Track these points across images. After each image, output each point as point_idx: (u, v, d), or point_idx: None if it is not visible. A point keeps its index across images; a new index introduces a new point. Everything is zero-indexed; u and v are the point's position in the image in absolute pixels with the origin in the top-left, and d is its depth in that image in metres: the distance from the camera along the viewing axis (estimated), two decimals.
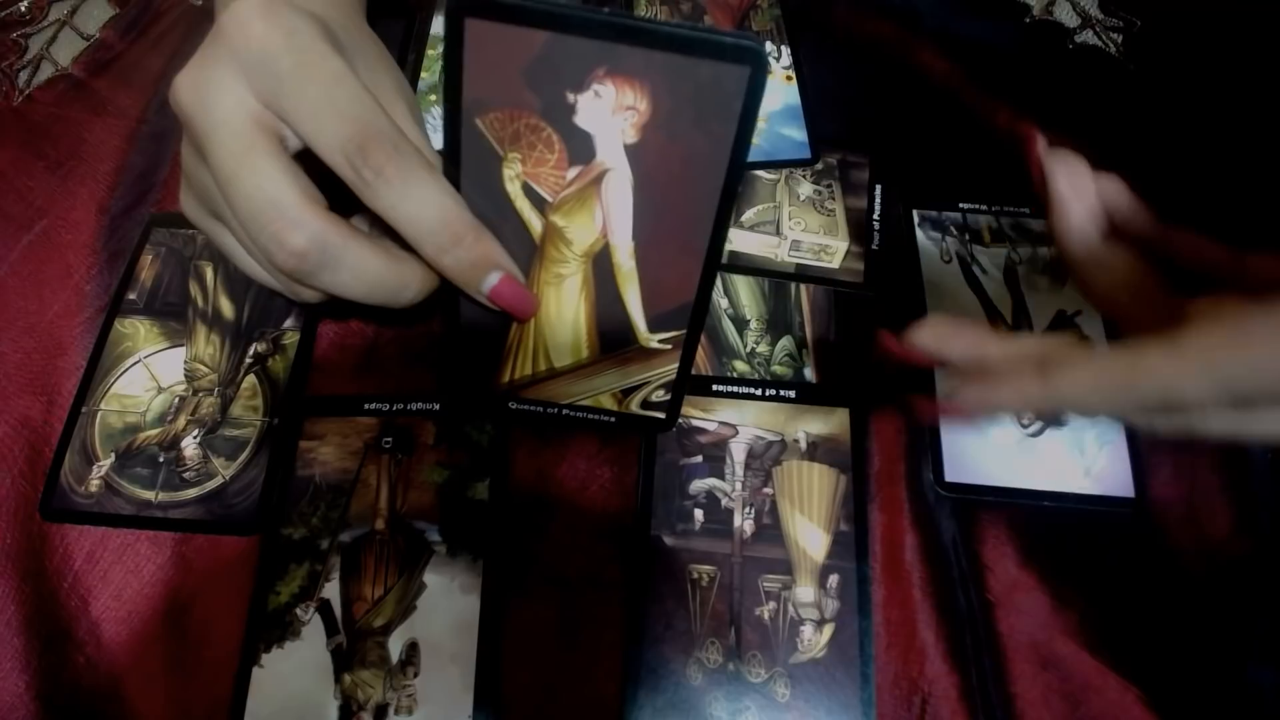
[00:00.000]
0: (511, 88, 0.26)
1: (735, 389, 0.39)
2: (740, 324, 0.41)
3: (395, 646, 0.34)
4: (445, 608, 0.34)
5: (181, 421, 0.38)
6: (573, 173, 0.28)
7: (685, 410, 0.38)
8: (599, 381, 0.35)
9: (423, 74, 0.47)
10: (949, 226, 0.44)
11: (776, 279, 0.42)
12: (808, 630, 0.34)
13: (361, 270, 0.29)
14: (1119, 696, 0.34)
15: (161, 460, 0.37)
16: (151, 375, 0.39)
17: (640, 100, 0.26)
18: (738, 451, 0.38)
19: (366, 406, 0.38)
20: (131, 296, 0.41)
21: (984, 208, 0.44)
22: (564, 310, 0.32)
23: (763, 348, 0.41)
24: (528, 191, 0.29)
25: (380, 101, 0.28)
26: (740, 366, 0.40)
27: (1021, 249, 0.43)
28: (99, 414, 0.38)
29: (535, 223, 0.29)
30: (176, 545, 0.36)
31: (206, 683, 0.33)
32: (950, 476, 0.38)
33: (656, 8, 0.51)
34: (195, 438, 0.38)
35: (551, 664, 0.34)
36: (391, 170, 0.27)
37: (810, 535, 0.36)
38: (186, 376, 0.39)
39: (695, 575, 0.35)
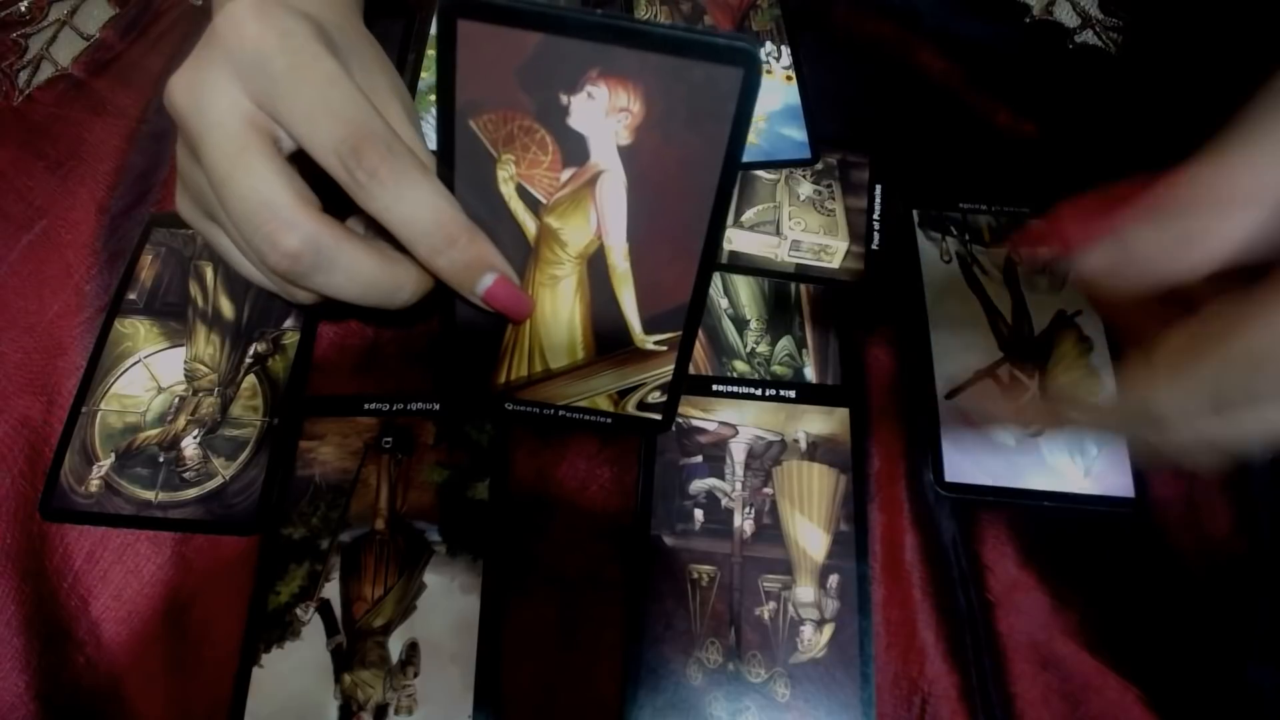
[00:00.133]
0: (505, 89, 0.26)
1: (735, 389, 0.39)
2: (740, 324, 0.41)
3: (395, 646, 0.34)
4: (445, 608, 0.34)
5: (181, 421, 0.38)
6: (567, 174, 0.28)
7: (685, 410, 0.38)
8: (595, 383, 0.35)
9: (422, 74, 0.47)
10: (949, 226, 0.44)
11: (776, 279, 0.42)
12: (808, 630, 0.34)
13: (355, 272, 0.29)
14: (1119, 696, 0.34)
15: (161, 460, 0.37)
16: (151, 375, 0.39)
17: (634, 102, 0.26)
18: (738, 451, 0.38)
19: (366, 406, 0.38)
20: (131, 296, 0.41)
21: (984, 208, 0.44)
22: (559, 312, 0.32)
23: (763, 348, 0.41)
24: (522, 193, 0.29)
25: (374, 103, 0.28)
26: (740, 366, 0.40)
27: (1022, 249, 0.43)
28: (99, 414, 0.38)
29: (530, 224, 0.29)
30: (176, 545, 0.36)
31: (206, 683, 0.33)
32: (950, 476, 0.38)
33: (656, 8, 0.51)
34: (195, 438, 0.38)
35: (551, 664, 0.34)
36: (385, 172, 0.27)
37: (810, 535, 0.36)
38: (186, 376, 0.39)
39: (695, 575, 0.35)
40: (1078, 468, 0.38)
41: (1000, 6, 0.52)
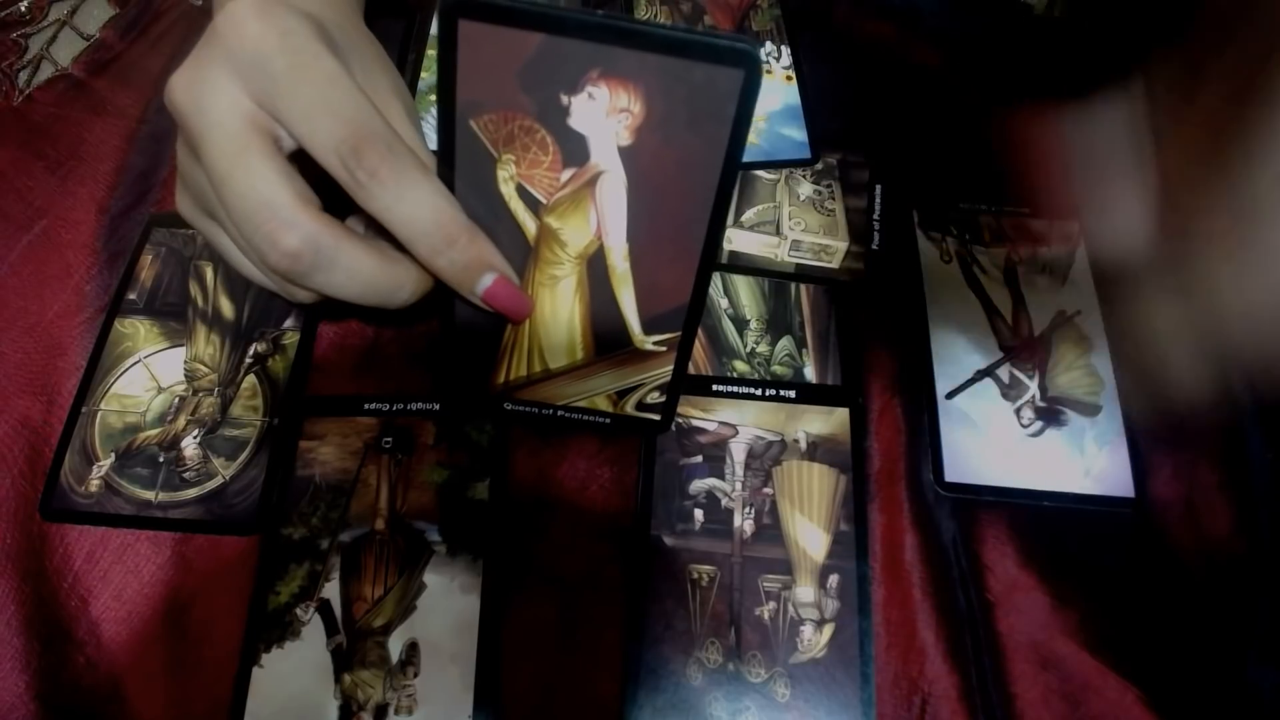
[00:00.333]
0: (505, 90, 0.26)
1: (735, 389, 0.39)
2: (740, 324, 0.41)
3: (395, 646, 0.34)
4: (445, 608, 0.34)
5: (181, 421, 0.38)
6: (567, 175, 0.28)
7: (685, 410, 0.38)
8: (594, 383, 0.35)
9: (423, 74, 0.47)
10: (949, 226, 0.44)
11: (776, 279, 0.42)
12: (808, 630, 0.34)
13: (355, 271, 0.29)
14: (1119, 696, 0.34)
15: (161, 460, 0.37)
16: (151, 375, 0.39)
17: (634, 103, 0.26)
18: (738, 451, 0.38)
19: (366, 406, 0.38)
20: (131, 296, 0.41)
21: (984, 208, 0.44)
22: (559, 312, 0.32)
23: (763, 348, 0.41)
24: (522, 193, 0.29)
25: (375, 102, 0.28)
26: (740, 366, 0.40)
27: (1021, 249, 0.43)
28: (99, 414, 0.38)
29: (530, 224, 0.29)
30: (176, 545, 0.36)
31: (206, 683, 0.33)
32: (950, 476, 0.38)
33: (656, 8, 0.51)
34: (195, 438, 0.38)
35: (551, 664, 0.34)
36: (385, 172, 0.27)
37: (810, 535, 0.36)
38: (186, 376, 0.39)
39: (695, 575, 0.35)
40: (1078, 468, 0.38)
41: (1000, 6, 0.52)
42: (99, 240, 0.43)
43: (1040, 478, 0.37)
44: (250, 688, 0.33)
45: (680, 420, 0.38)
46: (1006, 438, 0.38)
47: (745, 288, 0.42)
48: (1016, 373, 0.40)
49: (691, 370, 0.40)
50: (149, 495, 0.36)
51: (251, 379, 0.39)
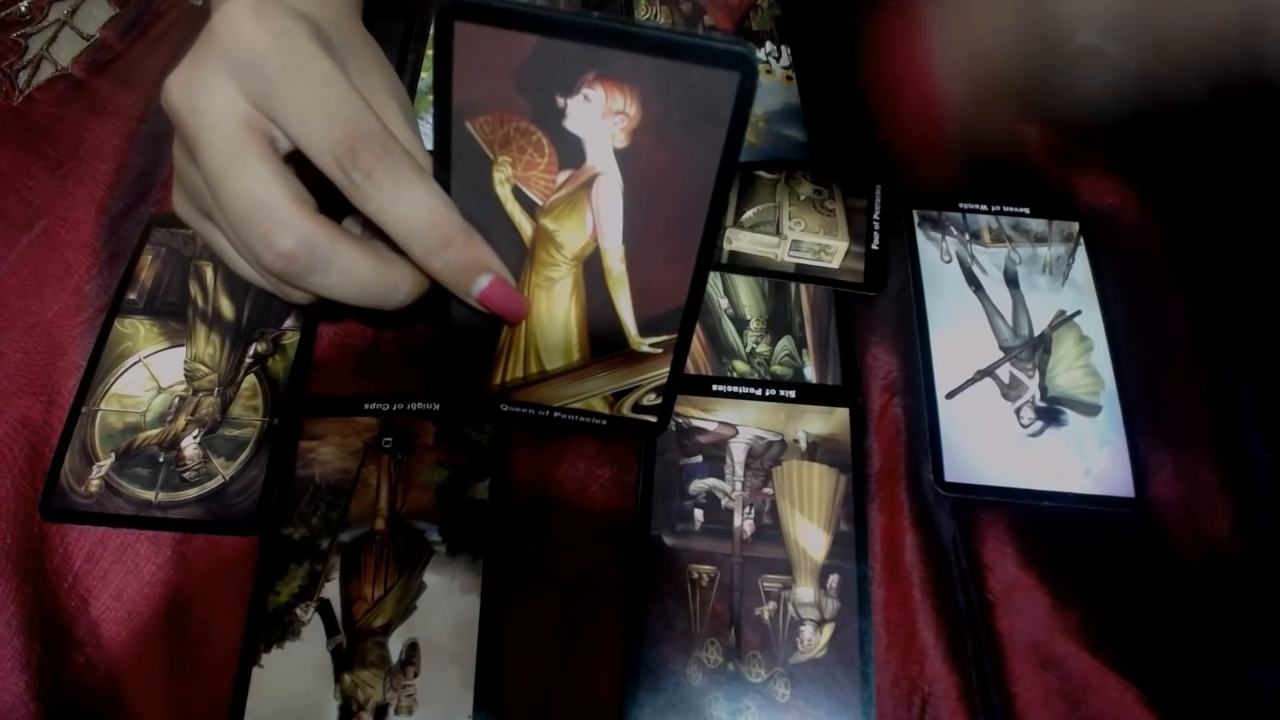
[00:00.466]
0: (501, 91, 0.26)
1: (735, 389, 0.39)
2: (740, 324, 0.41)
3: (395, 646, 0.34)
4: (445, 608, 0.34)
5: (181, 421, 0.38)
6: (563, 176, 0.28)
7: (685, 410, 0.38)
8: (590, 384, 0.35)
9: (423, 74, 0.47)
10: (949, 226, 0.44)
11: (776, 279, 0.42)
12: (808, 630, 0.34)
13: (350, 273, 0.29)
14: (1119, 696, 0.34)
15: (161, 460, 0.37)
16: (151, 375, 0.39)
17: (630, 105, 0.26)
18: (738, 451, 0.38)
19: (366, 406, 0.38)
20: (131, 296, 0.41)
21: (984, 208, 0.44)
22: (555, 313, 0.32)
23: (763, 348, 0.41)
24: (518, 195, 0.29)
25: (371, 103, 0.28)
26: (740, 366, 0.40)
27: (1021, 249, 0.43)
28: (99, 414, 0.38)
29: (525, 226, 0.30)
30: (176, 545, 0.36)
31: (206, 683, 0.33)
32: (950, 476, 0.37)
33: (656, 8, 0.51)
34: (195, 438, 0.38)
35: (551, 664, 0.34)
36: (380, 173, 0.27)
37: (810, 535, 0.36)
38: (186, 376, 0.39)
39: (695, 575, 0.35)
40: (1078, 468, 0.38)
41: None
42: (99, 240, 0.43)
43: (1040, 478, 0.37)
44: (250, 688, 0.33)
45: (680, 420, 0.38)
46: (1006, 438, 0.38)
47: (745, 288, 0.42)
48: (1016, 373, 0.40)
49: (691, 370, 0.40)
50: (149, 495, 0.36)
51: (251, 379, 0.39)
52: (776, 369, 0.40)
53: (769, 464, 0.37)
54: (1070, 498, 0.37)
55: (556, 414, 0.36)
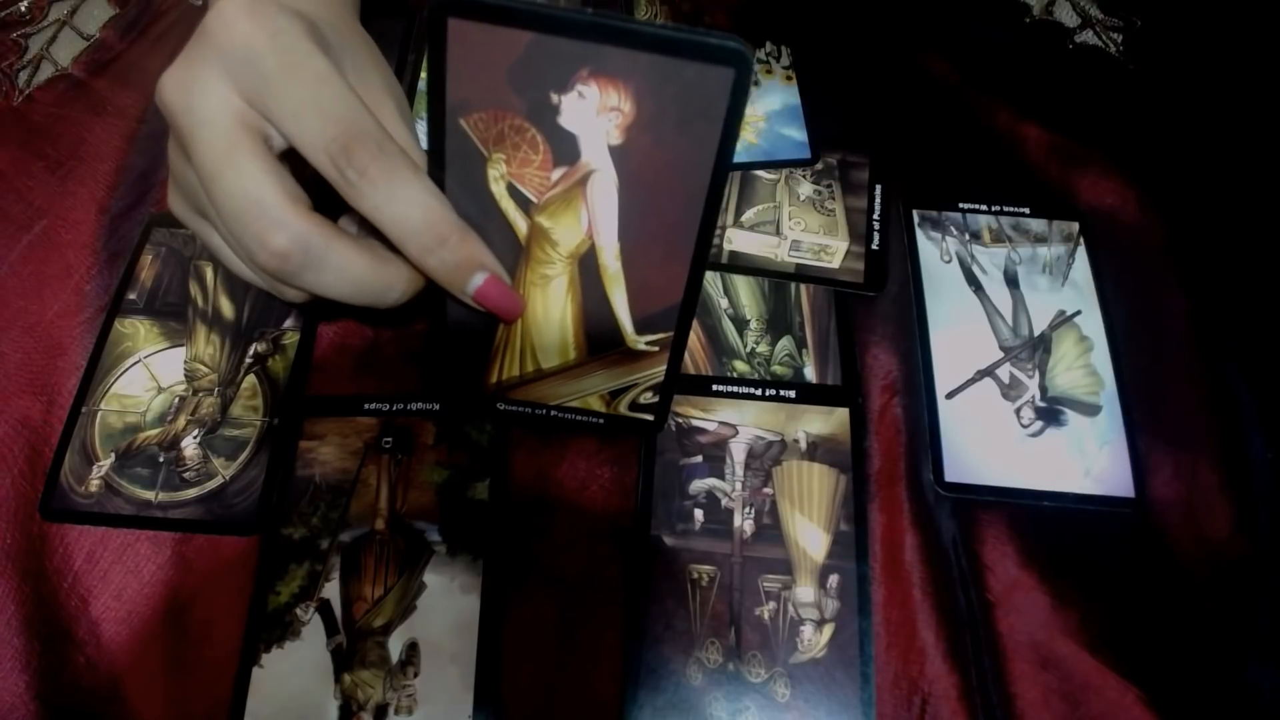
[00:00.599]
0: (495, 89, 0.26)
1: (735, 389, 0.39)
2: (740, 324, 0.41)
3: (395, 646, 0.34)
4: (445, 608, 0.34)
5: (181, 421, 0.38)
6: (558, 174, 0.28)
7: (685, 410, 0.38)
8: (587, 383, 0.35)
9: (422, 74, 0.47)
10: (949, 226, 0.44)
11: (776, 279, 0.42)
12: (808, 630, 0.34)
13: (345, 271, 0.29)
14: (1119, 696, 0.34)
15: (161, 460, 0.37)
16: (151, 375, 0.39)
17: (624, 101, 0.25)
18: (738, 451, 0.38)
19: (366, 406, 0.38)
20: (131, 296, 0.41)
21: (984, 208, 0.44)
22: (551, 311, 0.32)
23: (763, 348, 0.41)
24: (513, 192, 0.29)
25: (366, 101, 0.28)
26: (740, 366, 0.40)
27: (1021, 249, 0.43)
28: (99, 414, 0.38)
29: (520, 224, 0.29)
30: (176, 545, 0.36)
31: (206, 683, 0.33)
32: (950, 476, 0.37)
33: (656, 6, 0.51)
34: (195, 438, 0.38)
35: (551, 664, 0.34)
36: (375, 171, 0.27)
37: (810, 535, 0.36)
38: (186, 376, 0.39)
39: (695, 575, 0.35)
40: (1078, 468, 0.38)
41: (1000, 6, 0.52)
42: (99, 240, 0.43)
43: (1040, 478, 0.37)
44: (250, 688, 0.33)
45: (680, 420, 0.38)
46: (1006, 438, 0.38)
47: (745, 288, 0.42)
48: (1016, 373, 0.40)
49: (691, 370, 0.40)
50: (149, 495, 0.36)
51: (251, 379, 0.39)
52: (776, 369, 0.40)
53: (769, 464, 0.37)
54: (1070, 498, 0.37)
55: (553, 412, 0.36)
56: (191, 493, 0.36)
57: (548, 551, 0.36)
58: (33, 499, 0.36)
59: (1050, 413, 0.39)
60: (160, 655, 0.34)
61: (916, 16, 0.51)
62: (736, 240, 0.43)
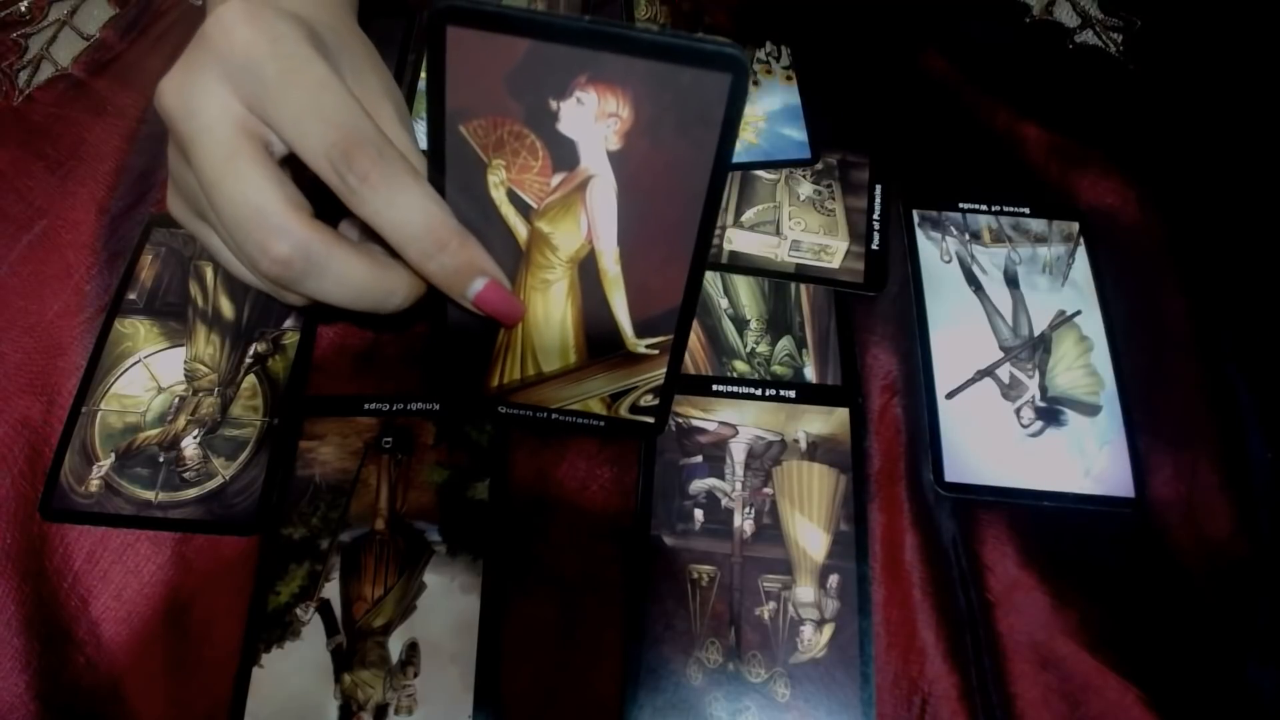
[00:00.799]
0: (494, 95, 0.26)
1: (735, 389, 0.39)
2: (740, 324, 0.41)
3: (395, 646, 0.34)
4: (445, 608, 0.34)
5: (181, 421, 0.38)
6: (557, 179, 0.28)
7: (685, 410, 0.38)
8: (588, 386, 0.35)
9: (422, 74, 0.47)
10: (949, 226, 0.44)
11: (776, 279, 0.42)
12: (808, 630, 0.34)
13: (346, 278, 0.29)
14: (1119, 696, 0.34)
15: (161, 460, 0.37)
16: (151, 375, 0.39)
17: (623, 107, 0.26)
18: (738, 451, 0.38)
19: (366, 406, 0.38)
20: (131, 296, 0.41)
21: (984, 208, 0.44)
22: (551, 315, 0.32)
23: (763, 348, 0.41)
24: (512, 198, 0.29)
25: (366, 105, 0.28)
26: (740, 366, 0.40)
27: (1021, 249, 0.43)
28: (99, 414, 0.38)
29: (520, 229, 0.30)
30: (176, 545, 0.36)
31: (206, 683, 0.33)
32: (950, 476, 0.38)
33: (656, 8, 0.51)
34: (195, 438, 0.38)
35: (551, 664, 0.34)
36: (376, 176, 0.27)
37: (810, 535, 0.36)
38: (186, 376, 0.39)
39: (695, 575, 0.35)
40: (1078, 468, 0.38)
41: (1000, 6, 0.52)
42: (99, 240, 0.43)
43: (1040, 478, 0.37)
44: (250, 688, 0.33)
45: (680, 420, 0.38)
46: (1006, 438, 0.38)
47: (745, 288, 0.42)
48: (1016, 373, 0.40)
49: (691, 370, 0.40)
50: (149, 495, 0.36)
51: (251, 379, 0.39)
52: (776, 369, 0.40)
53: (769, 464, 0.37)
54: (1070, 498, 0.37)
55: (554, 416, 0.36)
56: (191, 493, 0.36)
57: (548, 551, 0.36)
58: (33, 499, 0.36)
59: (1050, 413, 0.39)
60: (160, 655, 0.34)
61: (916, 16, 0.51)
62: (736, 240, 0.43)
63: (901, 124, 0.47)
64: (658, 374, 0.34)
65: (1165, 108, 0.47)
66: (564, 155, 0.27)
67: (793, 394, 0.39)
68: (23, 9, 0.51)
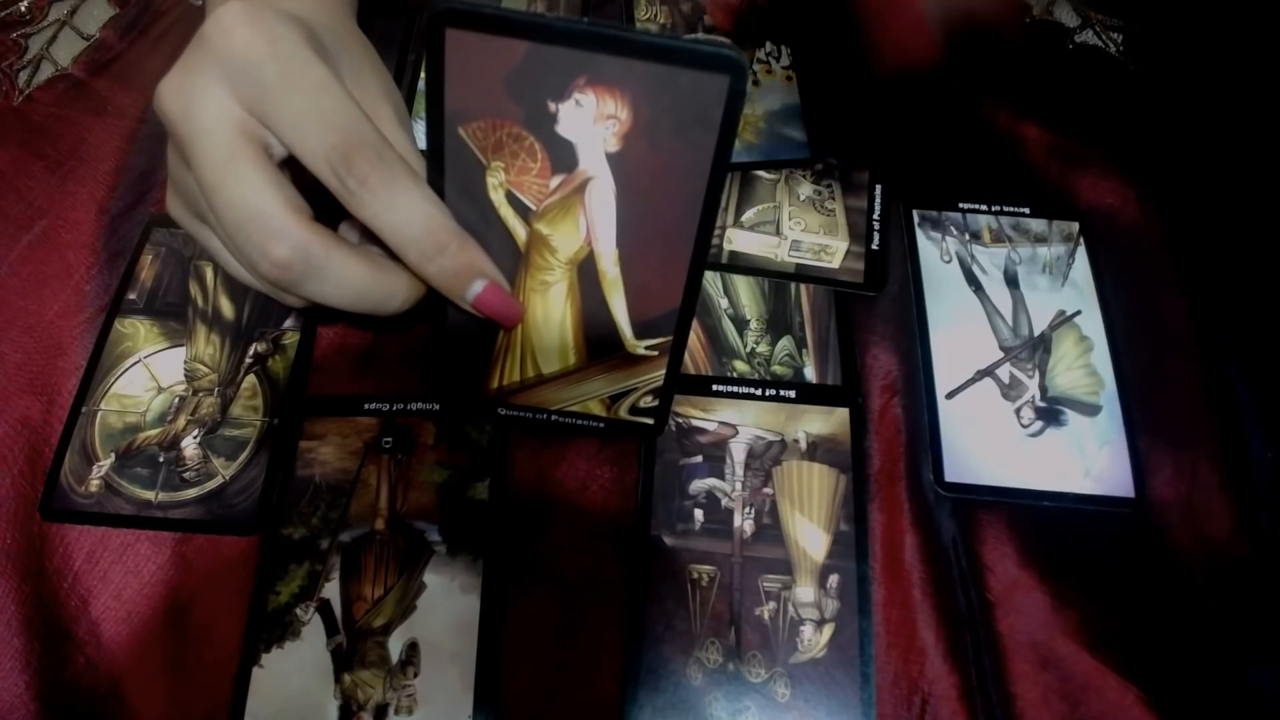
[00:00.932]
0: (493, 98, 0.26)
1: (735, 389, 0.39)
2: (740, 324, 0.41)
3: (395, 646, 0.34)
4: (445, 608, 0.34)
5: (181, 421, 0.38)
6: (556, 181, 0.28)
7: (685, 410, 0.38)
8: (587, 387, 0.35)
9: (422, 75, 0.47)
10: (949, 226, 0.44)
11: (776, 279, 0.42)
12: (808, 630, 0.34)
13: (345, 280, 0.29)
14: (1119, 696, 0.34)
15: (161, 460, 0.37)
16: (151, 375, 0.39)
17: (621, 109, 0.26)
18: (738, 451, 0.38)
19: (366, 406, 0.38)
20: (131, 296, 0.41)
21: (984, 208, 0.44)
22: (550, 317, 0.32)
23: (763, 348, 0.41)
24: (511, 200, 0.29)
25: (365, 107, 0.28)
26: (740, 366, 0.40)
27: (1021, 249, 0.43)
28: (99, 414, 0.38)
29: (519, 231, 0.30)
30: (176, 545, 0.36)
31: (206, 683, 0.33)
32: (950, 476, 0.37)
33: (656, 8, 0.51)
34: (195, 438, 0.38)
35: (551, 664, 0.34)
36: (375, 179, 0.27)
37: (810, 535, 0.36)
38: (186, 376, 0.39)
39: (695, 575, 0.35)
40: (1078, 468, 0.38)
41: (1000, 6, 0.52)
42: (99, 240, 0.43)
43: (1040, 478, 0.37)
44: (250, 688, 0.33)
45: (680, 420, 0.38)
46: (1006, 438, 0.38)
47: (745, 288, 0.42)
48: (1016, 373, 0.40)
49: (691, 370, 0.40)
50: (149, 495, 0.36)
51: (251, 379, 0.39)
52: (776, 369, 0.40)
53: (769, 464, 0.37)
54: (1070, 498, 0.37)
55: (554, 417, 0.36)
56: (191, 493, 0.36)
57: (548, 551, 0.36)
58: (33, 499, 0.36)
59: (1050, 413, 0.39)
60: (160, 655, 0.34)
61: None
62: (736, 240, 0.43)
63: (901, 124, 0.47)
64: (657, 375, 0.34)
65: (1165, 108, 0.47)
66: (563, 157, 0.27)
67: (793, 394, 0.39)
68: (23, 9, 0.51)
